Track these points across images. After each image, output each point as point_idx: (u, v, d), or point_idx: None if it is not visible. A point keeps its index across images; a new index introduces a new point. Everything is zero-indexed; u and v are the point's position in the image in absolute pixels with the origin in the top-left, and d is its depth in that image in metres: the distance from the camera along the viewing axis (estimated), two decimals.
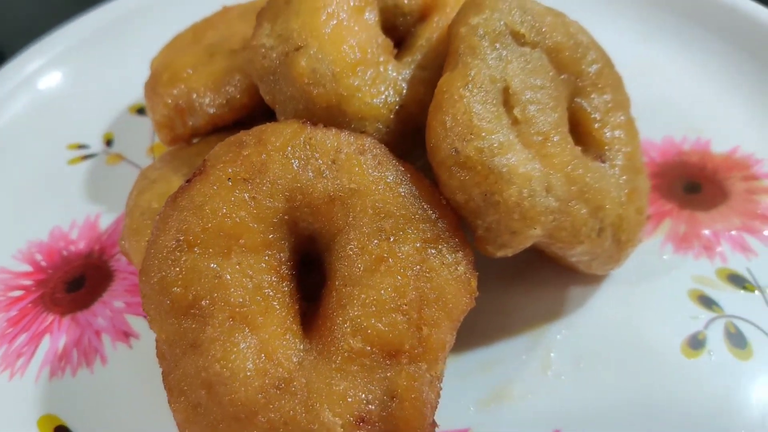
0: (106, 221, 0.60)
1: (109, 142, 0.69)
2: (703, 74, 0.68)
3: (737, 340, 0.48)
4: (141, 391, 0.48)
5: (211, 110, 0.54)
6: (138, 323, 0.52)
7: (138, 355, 0.50)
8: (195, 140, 0.58)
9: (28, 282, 0.56)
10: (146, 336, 0.51)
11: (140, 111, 0.72)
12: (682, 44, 0.70)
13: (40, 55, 0.74)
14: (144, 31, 0.80)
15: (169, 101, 0.55)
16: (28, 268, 0.57)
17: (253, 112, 0.55)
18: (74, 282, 0.56)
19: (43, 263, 0.57)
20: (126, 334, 0.51)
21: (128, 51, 0.78)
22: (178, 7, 0.80)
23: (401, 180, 0.43)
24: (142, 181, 0.53)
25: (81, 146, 0.68)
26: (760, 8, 0.68)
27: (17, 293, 0.55)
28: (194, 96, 0.54)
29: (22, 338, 0.52)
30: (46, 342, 0.51)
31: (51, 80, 0.74)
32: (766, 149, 0.60)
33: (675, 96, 0.67)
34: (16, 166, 0.66)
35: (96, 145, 0.68)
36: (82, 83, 0.74)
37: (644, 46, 0.71)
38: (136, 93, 0.73)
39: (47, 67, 0.74)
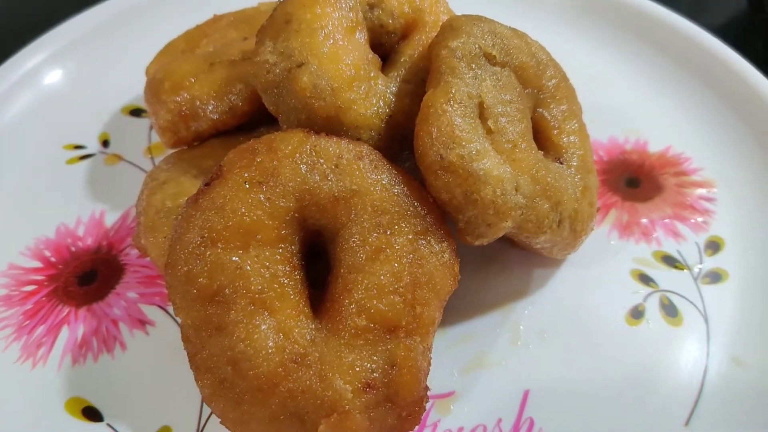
0: (111, 218, 0.65)
1: (105, 143, 0.72)
2: (642, 82, 0.77)
3: (670, 310, 0.57)
4: (161, 371, 0.53)
5: (215, 116, 0.59)
6: (152, 312, 0.57)
7: (155, 341, 0.55)
8: (195, 143, 0.63)
9: (39, 277, 0.60)
10: (161, 323, 0.56)
11: (133, 112, 0.76)
12: (625, 56, 0.80)
13: (32, 55, 0.77)
14: (133, 33, 0.83)
15: (173, 108, 0.60)
16: (37, 264, 0.61)
17: (253, 118, 0.61)
18: (85, 276, 0.60)
19: (53, 259, 0.61)
20: (142, 322, 0.57)
21: (118, 53, 0.82)
22: (166, 11, 0.84)
23: (395, 181, 0.49)
24: (152, 182, 0.58)
25: (77, 147, 0.72)
26: (691, 26, 0.78)
27: (30, 288, 0.59)
28: (198, 103, 0.59)
29: (40, 330, 0.56)
30: (64, 332, 0.56)
31: (44, 82, 0.77)
32: (693, 148, 0.70)
33: (619, 101, 0.76)
34: (14, 164, 0.69)
35: (92, 145, 0.72)
36: (75, 85, 0.77)
37: (593, 57, 0.80)
38: (127, 94, 0.77)
39: (41, 67, 0.77)
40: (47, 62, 0.78)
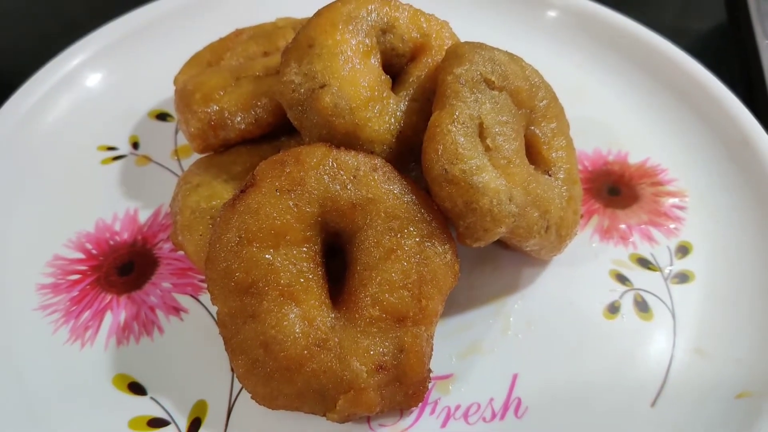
0: (143, 215, 0.71)
1: (135, 145, 0.79)
2: (625, 98, 0.84)
3: (642, 307, 0.65)
4: (195, 352, 0.60)
5: (242, 126, 0.66)
6: (185, 300, 0.64)
7: (189, 326, 0.62)
8: (221, 149, 0.70)
9: (83, 267, 0.67)
10: (194, 311, 0.63)
11: (159, 116, 0.82)
12: (611, 73, 0.87)
13: (69, 60, 0.83)
14: (158, 41, 0.89)
15: (203, 117, 0.66)
16: (80, 255, 0.68)
17: (276, 128, 0.68)
18: (124, 267, 0.67)
19: (94, 251, 0.68)
20: (176, 309, 0.64)
21: (144, 60, 0.87)
22: (189, 23, 0.90)
23: (405, 191, 0.56)
24: (185, 185, 0.64)
25: (110, 148, 0.78)
26: (671, 47, 0.85)
27: (75, 277, 0.66)
28: (226, 114, 0.66)
29: (87, 314, 0.63)
30: (108, 317, 0.63)
31: (81, 85, 0.83)
32: (668, 160, 0.77)
33: (604, 115, 0.82)
34: (55, 163, 0.75)
35: (124, 147, 0.78)
36: (107, 89, 0.83)
37: (582, 74, 0.87)
38: (154, 99, 0.83)
39: (78, 71, 0.83)
40: (82, 66, 0.83)
